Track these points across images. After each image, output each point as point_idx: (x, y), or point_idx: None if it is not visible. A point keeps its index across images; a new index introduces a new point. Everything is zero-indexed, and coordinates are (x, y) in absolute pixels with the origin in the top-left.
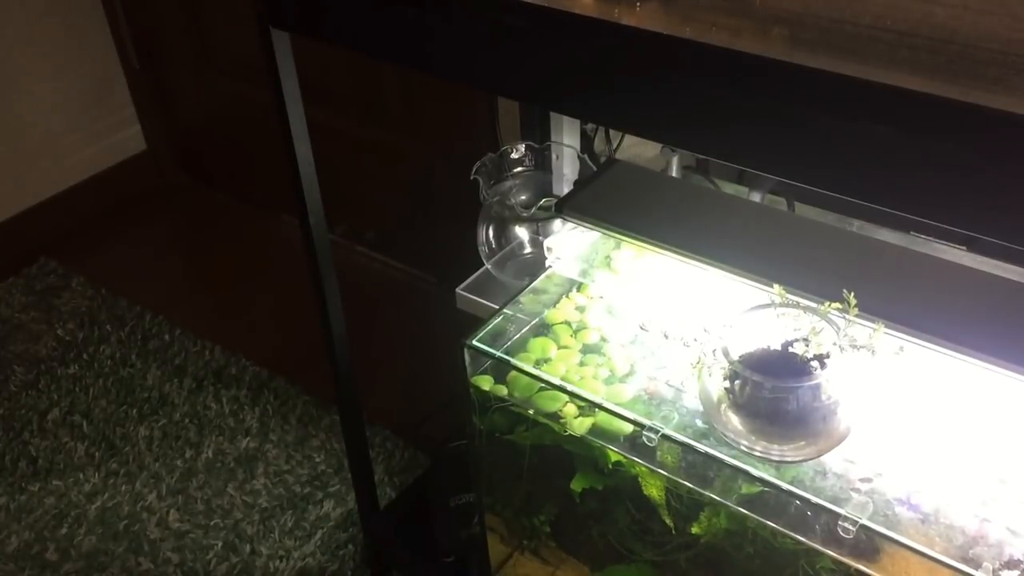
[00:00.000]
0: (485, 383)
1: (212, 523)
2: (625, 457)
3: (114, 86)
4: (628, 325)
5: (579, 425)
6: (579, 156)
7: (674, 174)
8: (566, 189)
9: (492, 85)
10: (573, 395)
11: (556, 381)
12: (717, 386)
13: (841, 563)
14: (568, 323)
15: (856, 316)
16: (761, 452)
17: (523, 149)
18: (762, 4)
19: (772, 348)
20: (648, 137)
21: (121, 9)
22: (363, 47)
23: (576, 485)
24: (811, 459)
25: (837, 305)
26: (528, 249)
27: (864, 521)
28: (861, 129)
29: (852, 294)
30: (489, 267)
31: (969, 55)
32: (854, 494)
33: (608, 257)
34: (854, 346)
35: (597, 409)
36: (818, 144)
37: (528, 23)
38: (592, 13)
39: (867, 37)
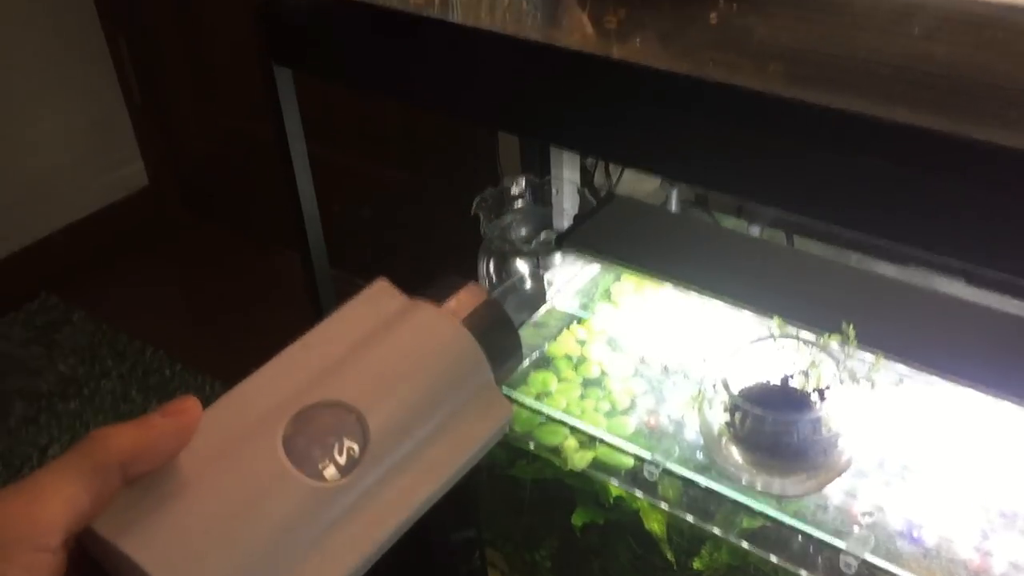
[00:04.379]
0: None
1: None
2: (626, 491)
3: (117, 122)
4: (629, 358)
5: (580, 459)
6: (579, 190)
7: (673, 208)
8: (566, 223)
9: (491, 120)
10: (574, 429)
11: (557, 414)
12: (718, 419)
13: None
14: (569, 356)
15: (855, 348)
16: (762, 486)
17: (523, 183)
18: (759, 40)
19: (772, 382)
20: (647, 170)
21: (125, 45)
22: (365, 83)
23: (577, 519)
24: (812, 492)
25: (836, 337)
26: (529, 283)
27: (866, 556)
28: (859, 162)
29: (851, 326)
30: None
31: (967, 90)
32: (856, 528)
33: (608, 290)
34: (854, 378)
35: (598, 443)
36: (816, 176)
37: (526, 58)
38: (590, 49)
39: (864, 72)
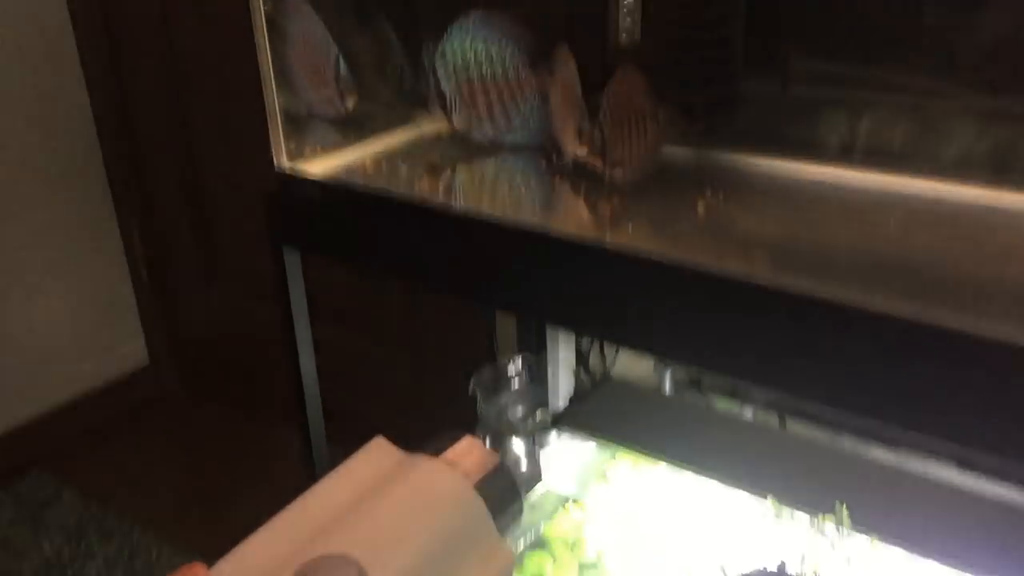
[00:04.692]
0: None
1: None
2: None
3: (120, 300)
4: (625, 539)
5: None
6: (574, 371)
7: (667, 390)
8: (562, 403)
9: (490, 300)
10: None
11: None
12: None
13: None
14: (565, 538)
15: (849, 530)
16: None
17: (520, 362)
18: (745, 229)
19: (768, 568)
20: (640, 350)
21: (135, 224)
22: (369, 265)
23: None
24: None
25: (830, 518)
26: (525, 462)
27: None
28: (846, 347)
29: (844, 507)
30: None
31: (938, 280)
32: None
33: (603, 471)
34: (849, 562)
35: None
36: (804, 359)
37: (524, 243)
38: (584, 235)
39: (847, 262)
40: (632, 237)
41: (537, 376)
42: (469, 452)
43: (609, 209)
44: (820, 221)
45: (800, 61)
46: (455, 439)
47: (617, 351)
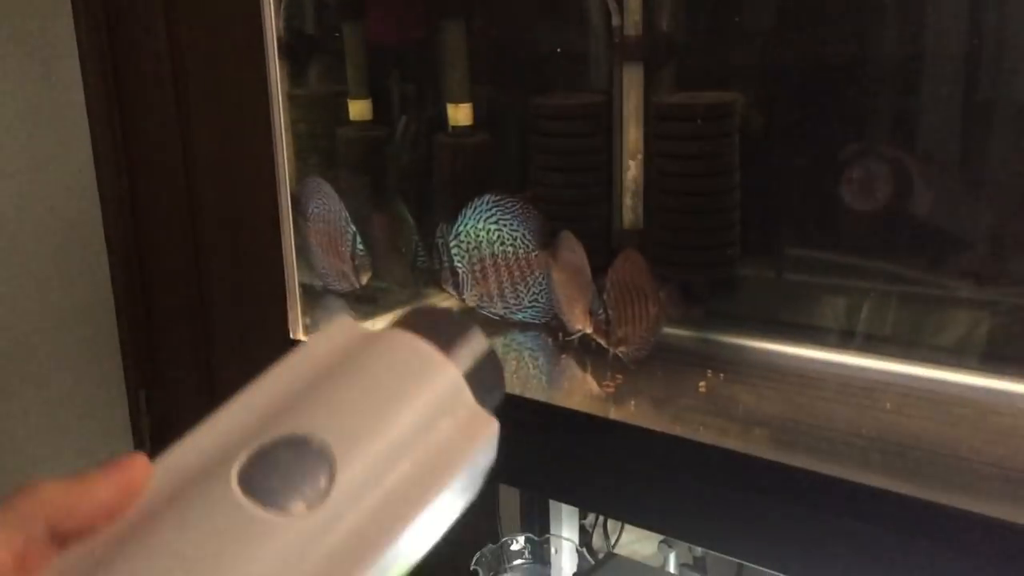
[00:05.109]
0: None
1: None
2: None
3: None
4: None
5: None
6: (577, 550)
7: (672, 570)
8: None
9: (494, 475)
10: None
11: None
12: None
13: None
14: None
15: None
16: None
17: (522, 541)
18: (745, 408)
19: None
20: (643, 527)
21: (143, 396)
22: None
23: None
24: None
25: None
26: None
27: None
28: (843, 524)
29: None
30: None
31: (935, 461)
32: None
33: None
34: None
35: None
36: (804, 538)
37: (530, 416)
38: (589, 410)
39: (842, 442)
40: (635, 413)
41: (540, 554)
42: (438, 319)
43: (613, 385)
44: (816, 401)
45: (795, 249)
46: (427, 312)
47: (621, 529)
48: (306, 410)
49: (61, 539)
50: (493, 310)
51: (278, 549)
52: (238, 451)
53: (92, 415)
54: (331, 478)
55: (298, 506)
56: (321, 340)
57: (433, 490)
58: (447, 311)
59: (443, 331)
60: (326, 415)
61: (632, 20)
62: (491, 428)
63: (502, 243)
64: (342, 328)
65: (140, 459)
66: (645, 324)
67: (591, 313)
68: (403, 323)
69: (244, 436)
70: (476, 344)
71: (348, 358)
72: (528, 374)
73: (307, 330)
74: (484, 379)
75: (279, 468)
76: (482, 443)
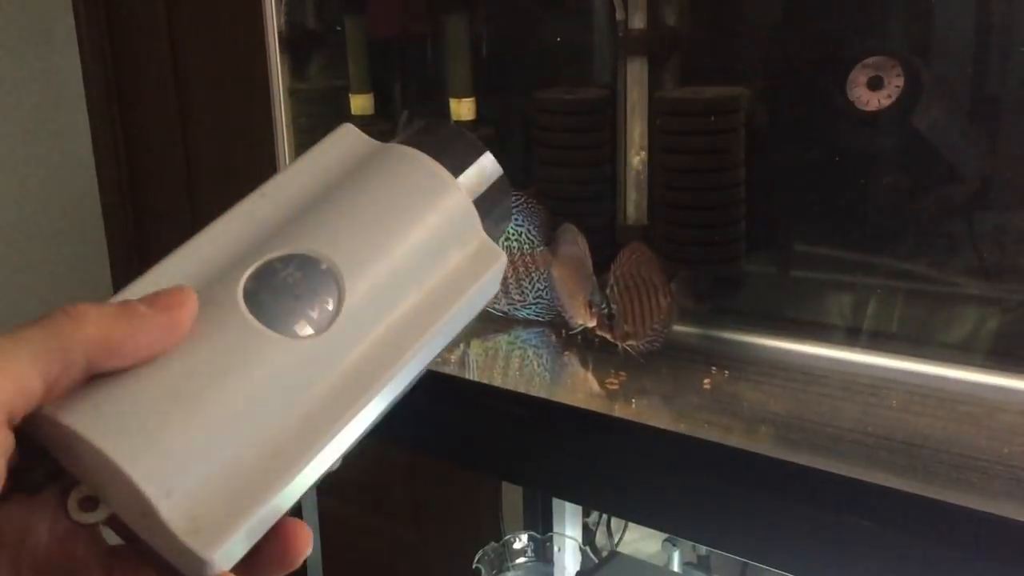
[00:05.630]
0: None
1: None
2: None
3: None
4: None
5: None
6: (581, 548)
7: (676, 569)
8: None
9: (498, 471)
10: None
11: None
12: None
13: None
14: None
15: None
16: None
17: (525, 539)
18: (750, 405)
19: None
20: (645, 524)
21: None
22: (377, 436)
23: None
24: None
25: None
26: None
27: None
28: (848, 522)
29: None
30: None
31: (941, 459)
32: None
33: None
34: None
35: None
36: (809, 536)
37: (533, 414)
38: (593, 407)
39: (848, 439)
40: (639, 410)
41: (543, 552)
42: (449, 138)
43: (617, 382)
44: (822, 399)
45: (800, 245)
46: (436, 128)
47: (625, 527)
48: (314, 228)
49: (91, 372)
50: (497, 306)
51: (285, 371)
52: (240, 268)
53: None
54: (339, 302)
55: (305, 329)
56: (324, 150)
57: (442, 317)
58: (459, 129)
59: (455, 152)
60: (334, 236)
61: (636, 14)
62: (499, 261)
63: (506, 239)
64: (347, 136)
65: (189, 296)
66: (656, 316)
67: (591, 306)
68: (413, 140)
69: (245, 251)
70: (488, 168)
71: (356, 172)
72: (532, 371)
73: None
74: (494, 207)
75: (285, 290)
76: (489, 277)
